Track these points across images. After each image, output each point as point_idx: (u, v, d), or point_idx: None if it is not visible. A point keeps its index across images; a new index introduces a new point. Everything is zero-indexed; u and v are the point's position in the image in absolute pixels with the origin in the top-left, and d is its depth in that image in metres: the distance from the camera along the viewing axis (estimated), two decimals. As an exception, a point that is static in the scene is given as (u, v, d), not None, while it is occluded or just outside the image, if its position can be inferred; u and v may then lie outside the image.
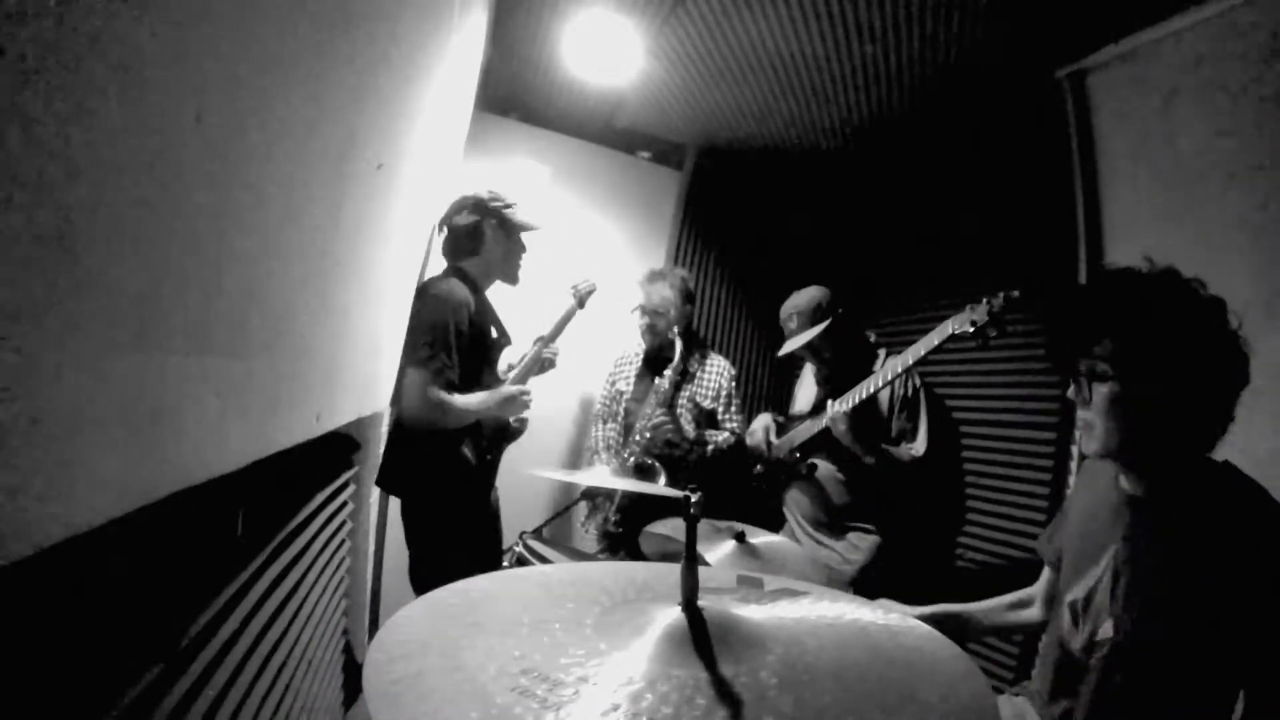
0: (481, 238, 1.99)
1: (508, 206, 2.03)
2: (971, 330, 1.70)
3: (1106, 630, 1.04)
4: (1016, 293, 1.65)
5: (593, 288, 2.31)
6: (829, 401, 2.06)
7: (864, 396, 1.98)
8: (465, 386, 1.83)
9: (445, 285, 1.86)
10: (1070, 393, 1.09)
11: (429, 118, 1.46)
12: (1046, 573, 1.32)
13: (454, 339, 1.79)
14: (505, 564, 1.86)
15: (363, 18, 0.82)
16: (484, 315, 1.95)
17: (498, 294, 2.09)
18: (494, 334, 2.01)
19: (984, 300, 1.70)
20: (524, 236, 2.09)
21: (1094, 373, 1.03)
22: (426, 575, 1.87)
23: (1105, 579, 1.07)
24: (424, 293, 1.85)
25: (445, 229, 2.01)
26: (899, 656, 0.57)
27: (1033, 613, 1.32)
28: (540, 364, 2.21)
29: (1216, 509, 0.99)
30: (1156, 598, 1.00)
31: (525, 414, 2.07)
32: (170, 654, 0.65)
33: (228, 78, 0.51)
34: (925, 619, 1.24)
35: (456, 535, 1.87)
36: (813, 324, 2.17)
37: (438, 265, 2.07)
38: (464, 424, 1.85)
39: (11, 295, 0.32)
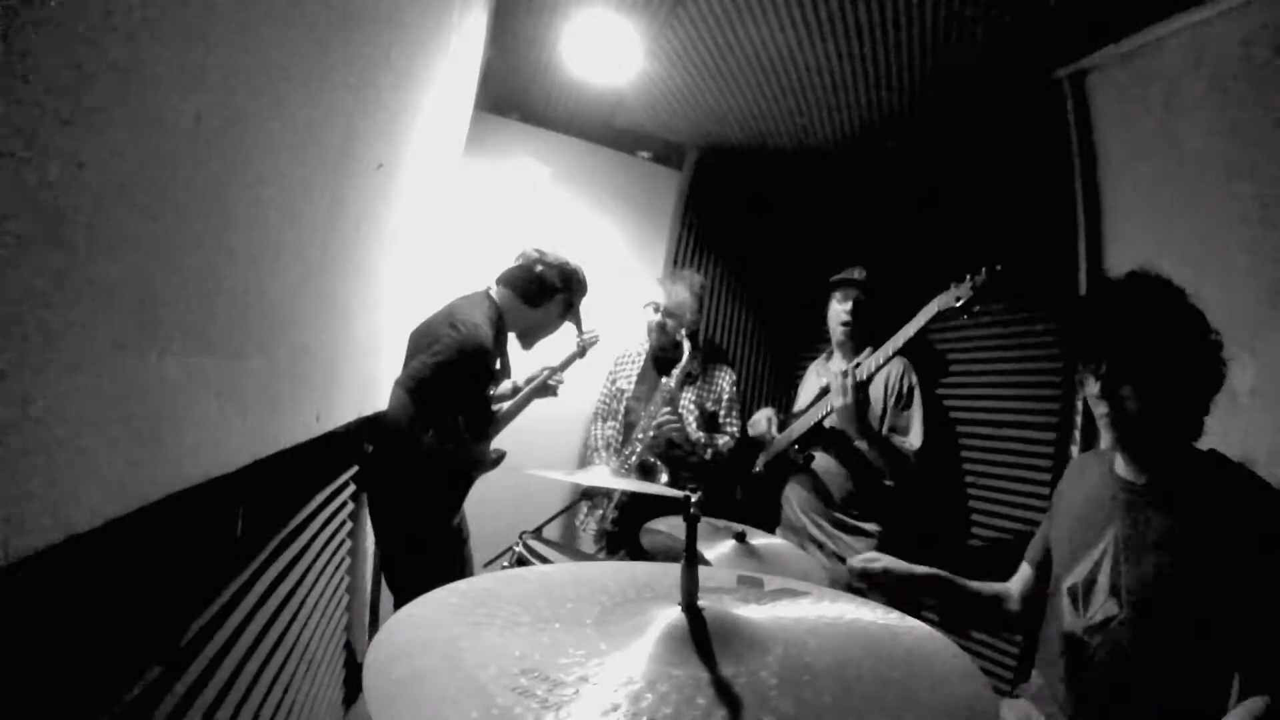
0: (544, 299, 1.99)
1: (584, 295, 2.07)
2: (958, 305, 1.78)
3: (1110, 608, 1.09)
4: (999, 267, 1.73)
5: (596, 339, 2.41)
6: (847, 369, 2.07)
7: (870, 372, 2.00)
8: (453, 416, 1.82)
9: (472, 326, 1.79)
10: (1092, 390, 1.13)
11: (429, 118, 1.46)
12: (1025, 570, 1.37)
13: (448, 385, 1.75)
14: (505, 564, 1.86)
15: (362, 18, 0.82)
16: (495, 350, 1.91)
17: None
18: (497, 366, 1.98)
19: (967, 276, 1.79)
20: (564, 323, 2.12)
21: (1114, 372, 1.10)
22: (393, 578, 1.86)
23: (1106, 559, 1.13)
24: (449, 318, 1.80)
25: (530, 264, 1.99)
26: (899, 656, 0.57)
27: (1011, 606, 1.36)
28: (544, 388, 2.30)
29: (1212, 488, 1.07)
30: (1159, 570, 1.05)
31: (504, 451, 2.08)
32: (170, 654, 0.65)
33: (228, 78, 0.51)
34: (922, 577, 1.29)
35: (421, 539, 1.84)
36: (874, 288, 2.30)
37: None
38: (429, 462, 1.81)
39: (12, 296, 0.32)
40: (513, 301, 1.96)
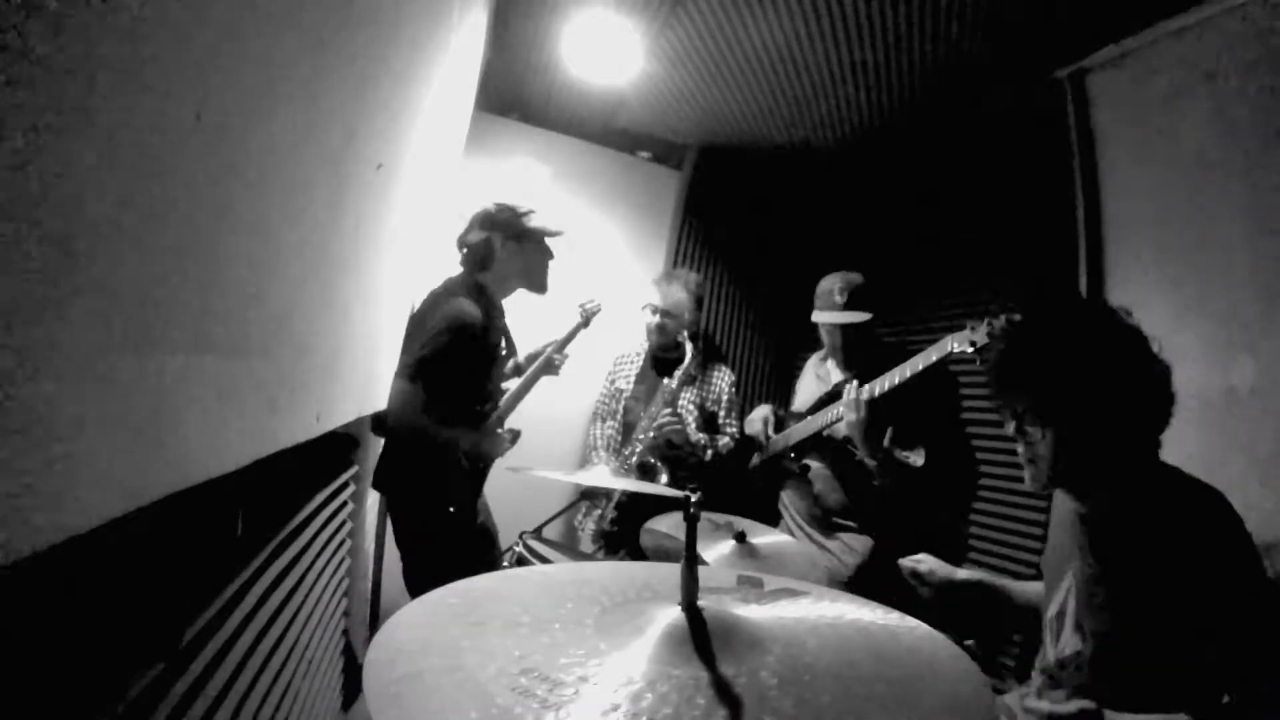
0: (492, 254, 1.91)
1: (520, 215, 1.95)
2: (970, 350, 1.72)
3: (1075, 643, 1.08)
4: (1019, 316, 1.65)
5: (598, 308, 2.33)
6: (851, 384, 2.02)
7: (882, 390, 1.96)
8: (461, 399, 1.81)
9: (456, 304, 1.79)
10: (1010, 430, 1.11)
11: (429, 118, 1.46)
12: None
13: (449, 365, 1.73)
14: (505, 564, 1.86)
15: (363, 18, 0.82)
16: (491, 330, 1.89)
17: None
18: (500, 347, 1.97)
19: (985, 320, 1.70)
20: (551, 243, 2.01)
21: (1027, 414, 1.07)
22: (412, 577, 1.85)
23: (1070, 595, 1.11)
24: (435, 304, 1.80)
25: (462, 248, 1.96)
26: (899, 656, 0.57)
27: None
28: (548, 366, 2.23)
29: (1151, 517, 1.02)
30: (1111, 606, 1.03)
31: (515, 437, 2.04)
32: (170, 654, 0.65)
33: (228, 78, 0.51)
34: (968, 583, 1.26)
35: (441, 536, 1.83)
36: (859, 306, 2.15)
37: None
38: (443, 450, 1.81)
39: (11, 296, 0.32)
40: (480, 275, 1.93)
